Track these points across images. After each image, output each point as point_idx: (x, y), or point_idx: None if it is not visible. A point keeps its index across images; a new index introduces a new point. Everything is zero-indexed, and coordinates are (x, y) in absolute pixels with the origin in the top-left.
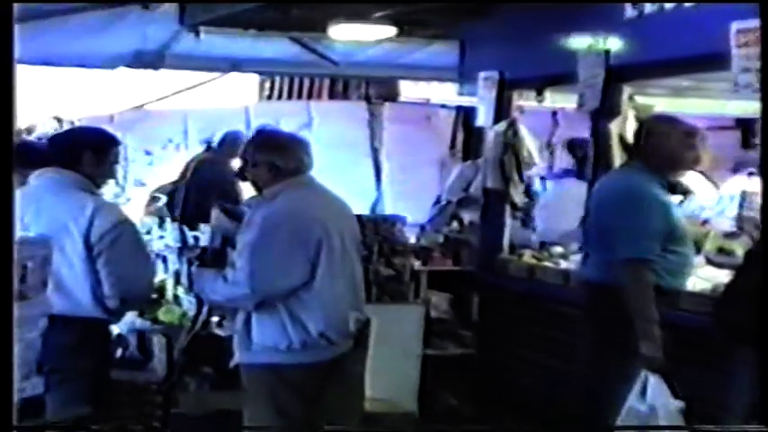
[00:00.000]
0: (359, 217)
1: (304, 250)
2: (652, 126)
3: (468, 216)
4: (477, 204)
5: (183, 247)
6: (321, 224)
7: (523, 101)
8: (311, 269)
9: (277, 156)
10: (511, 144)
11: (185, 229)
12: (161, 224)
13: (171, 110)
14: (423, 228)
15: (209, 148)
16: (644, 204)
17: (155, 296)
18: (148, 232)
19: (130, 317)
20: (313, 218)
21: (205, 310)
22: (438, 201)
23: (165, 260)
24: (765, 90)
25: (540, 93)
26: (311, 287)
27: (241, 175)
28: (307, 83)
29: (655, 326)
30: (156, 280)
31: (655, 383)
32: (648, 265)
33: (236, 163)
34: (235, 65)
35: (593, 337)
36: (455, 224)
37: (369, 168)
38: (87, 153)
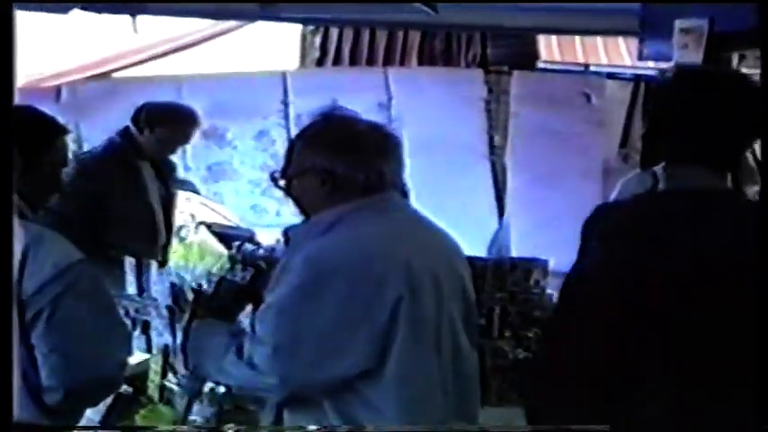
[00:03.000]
0: (471, 261)
1: (370, 318)
2: None
3: None
4: None
5: (179, 309)
6: (403, 274)
7: (749, 68)
8: (381, 349)
9: (339, 159)
10: None
11: (178, 274)
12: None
13: (157, 78)
14: None
15: None
16: None
17: (128, 389)
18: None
19: (88, 422)
20: (389, 263)
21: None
22: None
23: (146, 328)
24: (765, 88)
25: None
26: (381, 378)
27: (282, 186)
28: (383, 38)
29: None
30: (132, 362)
31: None
32: None
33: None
34: (264, 8)
35: None
36: None
37: (485, 179)
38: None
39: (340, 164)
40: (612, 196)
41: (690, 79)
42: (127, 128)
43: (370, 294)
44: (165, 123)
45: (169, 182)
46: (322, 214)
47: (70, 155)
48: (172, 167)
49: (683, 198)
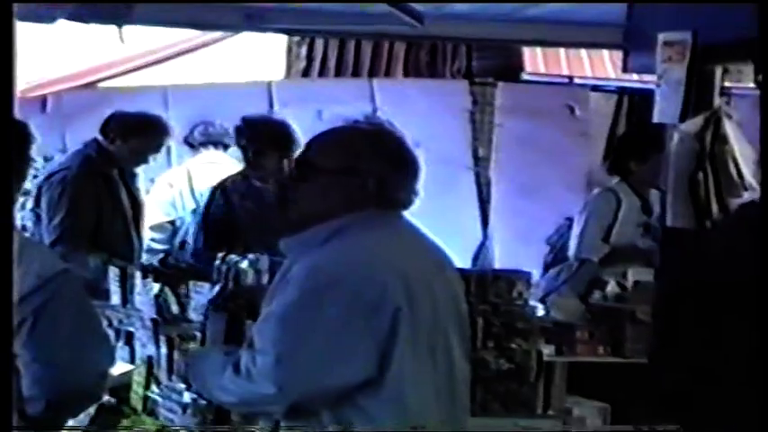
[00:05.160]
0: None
1: (370, 328)
2: None
3: (632, 274)
4: (636, 257)
5: (163, 320)
6: (402, 285)
7: (733, 81)
8: (380, 358)
9: (381, 169)
10: (710, 154)
11: (166, 290)
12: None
13: (142, 88)
14: (556, 289)
15: None
16: None
17: (112, 400)
18: (101, 294)
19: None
20: (389, 275)
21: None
22: (557, 241)
23: (130, 339)
24: (765, 89)
25: (761, 68)
26: (380, 387)
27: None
28: (369, 50)
29: None
30: (115, 372)
31: None
32: None
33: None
34: (250, 17)
35: None
36: (611, 286)
37: (470, 191)
38: None
39: (379, 173)
40: (579, 217)
41: None
42: (95, 140)
43: (370, 305)
44: (139, 134)
45: (132, 188)
46: (324, 226)
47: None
48: (134, 174)
49: None
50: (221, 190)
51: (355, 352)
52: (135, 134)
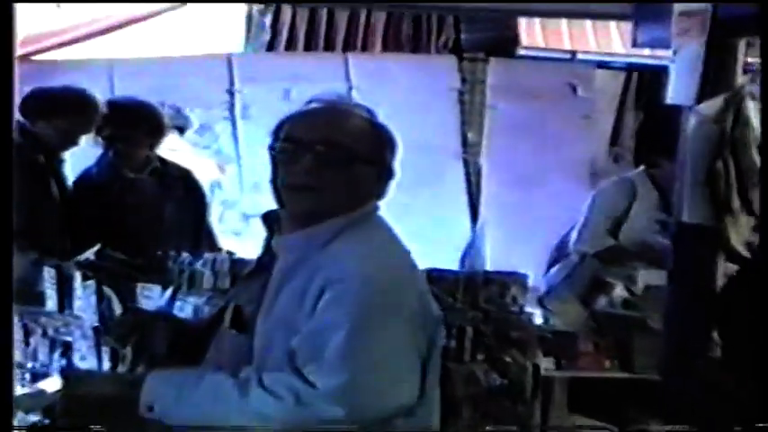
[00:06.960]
0: (441, 275)
1: (418, 344)
2: None
3: (642, 277)
4: (645, 256)
5: (104, 327)
6: (433, 300)
7: (756, 57)
8: (423, 376)
9: (390, 157)
10: (731, 140)
11: (110, 292)
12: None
13: (83, 62)
14: (554, 288)
15: None
16: None
17: (45, 421)
18: (35, 299)
19: None
20: (418, 285)
21: None
22: (567, 236)
23: (67, 351)
24: (765, 90)
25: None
26: (418, 406)
27: (321, 172)
28: (343, 20)
29: None
30: (50, 388)
31: None
32: None
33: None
34: None
35: None
36: (619, 290)
37: (458, 182)
38: None
39: (389, 164)
40: (586, 206)
41: None
42: (17, 122)
43: (419, 320)
44: (65, 112)
45: (62, 176)
46: (324, 225)
47: None
48: (62, 159)
49: None
50: (90, 185)
51: (415, 369)
52: (59, 113)
